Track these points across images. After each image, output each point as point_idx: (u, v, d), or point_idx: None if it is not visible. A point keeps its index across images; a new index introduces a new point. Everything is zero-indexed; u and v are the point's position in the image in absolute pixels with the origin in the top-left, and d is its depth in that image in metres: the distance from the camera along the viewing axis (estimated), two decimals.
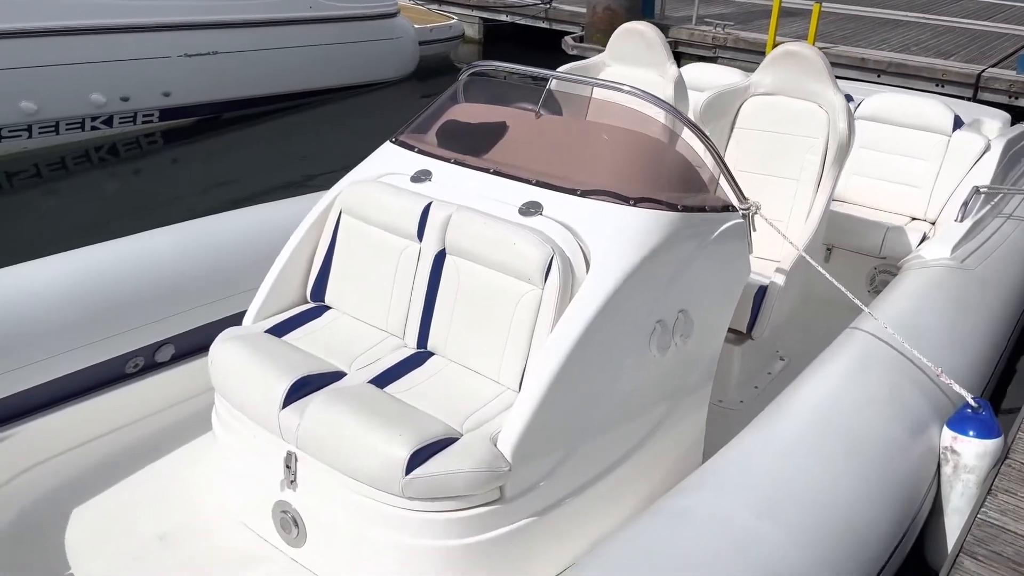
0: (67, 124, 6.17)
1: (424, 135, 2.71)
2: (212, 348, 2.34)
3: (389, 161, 2.67)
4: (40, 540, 2.24)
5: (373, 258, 2.49)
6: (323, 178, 6.54)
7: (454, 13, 10.66)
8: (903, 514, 2.17)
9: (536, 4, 10.37)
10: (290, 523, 2.21)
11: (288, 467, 2.19)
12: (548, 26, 10.41)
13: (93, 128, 6.36)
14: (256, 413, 2.20)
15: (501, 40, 11.38)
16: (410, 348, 2.41)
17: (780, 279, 3.04)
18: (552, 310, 2.15)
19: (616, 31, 3.77)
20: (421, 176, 2.56)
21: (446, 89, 2.82)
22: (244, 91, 7.23)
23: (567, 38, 9.54)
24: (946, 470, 2.25)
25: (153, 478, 2.49)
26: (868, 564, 2.01)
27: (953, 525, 2.32)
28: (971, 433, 2.22)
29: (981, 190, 3.71)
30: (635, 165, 2.33)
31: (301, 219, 2.97)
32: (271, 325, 2.47)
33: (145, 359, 2.70)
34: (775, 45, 8.38)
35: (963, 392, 2.34)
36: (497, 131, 2.63)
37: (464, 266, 2.32)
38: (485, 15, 10.88)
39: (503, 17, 10.77)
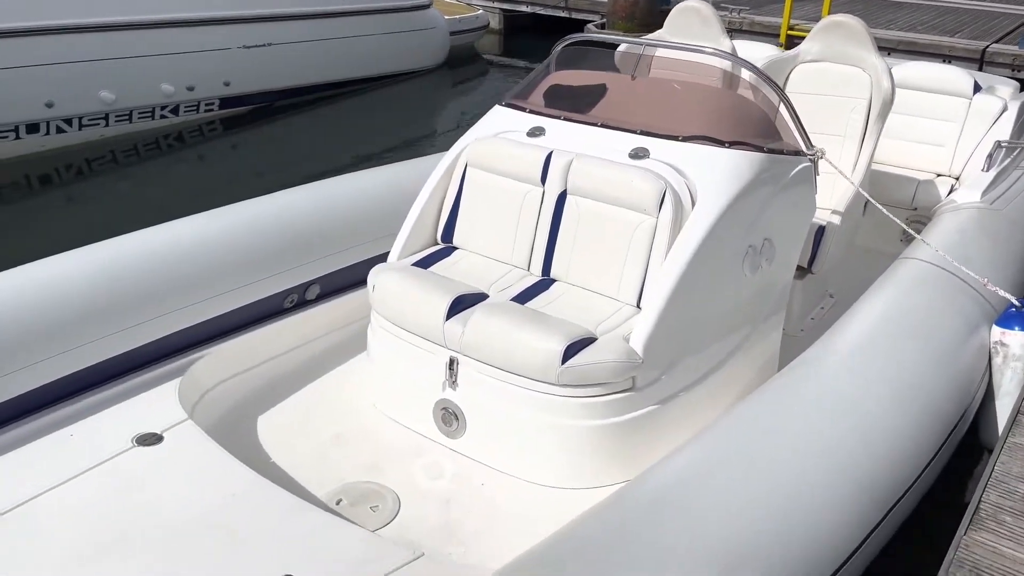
0: (139, 113, 6.60)
1: (531, 98, 3.15)
2: (372, 278, 2.78)
3: (503, 121, 3.10)
4: (238, 437, 2.67)
5: (498, 203, 2.93)
6: (371, 160, 6.96)
7: (478, 4, 11.08)
8: (962, 399, 2.62)
9: None
10: (451, 417, 2.66)
11: (450, 370, 2.63)
12: (567, 15, 10.85)
13: (162, 116, 6.79)
14: (420, 327, 2.64)
15: (521, 30, 11.81)
16: (535, 276, 2.85)
17: (836, 219, 3.49)
18: (666, 235, 2.60)
19: (674, 9, 4.21)
20: (536, 132, 3.00)
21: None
22: (294, 80, 7.67)
23: (589, 25, 9.98)
24: (996, 361, 2.70)
25: (321, 390, 2.94)
26: (934, 438, 2.44)
27: (1004, 407, 2.76)
28: (1016, 328, 2.66)
29: (1003, 144, 4.15)
30: (727, 114, 2.78)
31: (416, 178, 3.43)
32: (414, 261, 2.92)
33: (298, 296, 3.14)
34: (789, 28, 8.83)
35: (1008, 296, 2.79)
36: (598, 92, 3.08)
37: (584, 204, 2.76)
38: (505, 6, 11.31)
39: (523, 8, 11.19)
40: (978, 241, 3.30)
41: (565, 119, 2.99)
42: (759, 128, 2.82)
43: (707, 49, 2.96)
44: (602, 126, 2.90)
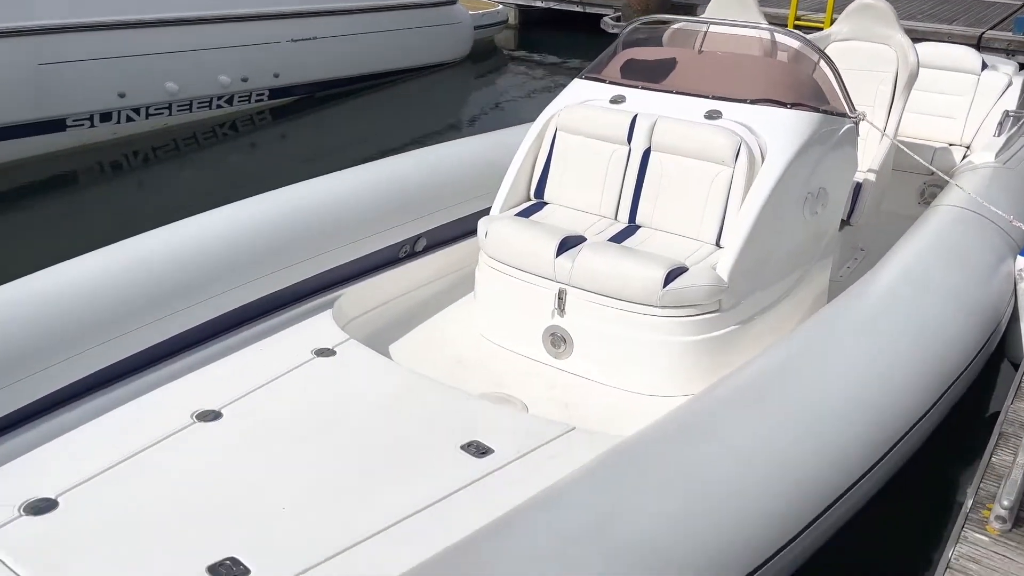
0: (199, 103, 7.03)
1: (607, 72, 3.62)
2: (483, 226, 3.24)
3: (586, 92, 3.57)
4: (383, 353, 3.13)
5: (587, 161, 3.39)
6: (405, 146, 7.40)
7: (496, 0, 11.54)
8: (992, 319, 3.09)
9: None
10: (559, 341, 3.12)
11: (560, 299, 3.09)
12: (582, 9, 11.32)
13: (218, 106, 7.22)
14: (531, 265, 3.10)
15: (535, 24, 12.28)
16: (622, 223, 3.32)
17: (872, 176, 3.97)
18: (742, 183, 3.07)
19: None
20: (618, 99, 3.46)
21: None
22: (335, 72, 8.11)
23: (606, 18, 10.46)
24: (1021, 287, 3.18)
25: (435, 325, 3.39)
26: (965, 353, 2.87)
27: None
28: None
29: (1011, 113, 4.65)
30: (787, 80, 3.25)
31: (503, 146, 3.90)
32: (515, 214, 3.37)
33: (409, 248, 3.60)
34: (797, 19, 9.33)
35: None
36: (669, 64, 3.55)
37: (667, 158, 3.23)
38: (521, 1, 11.77)
39: (538, 3, 11.66)
40: (997, 191, 3.78)
41: (643, 88, 3.45)
42: (814, 92, 3.30)
43: (763, 25, 3.44)
44: (677, 93, 3.37)
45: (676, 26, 4.35)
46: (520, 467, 2.23)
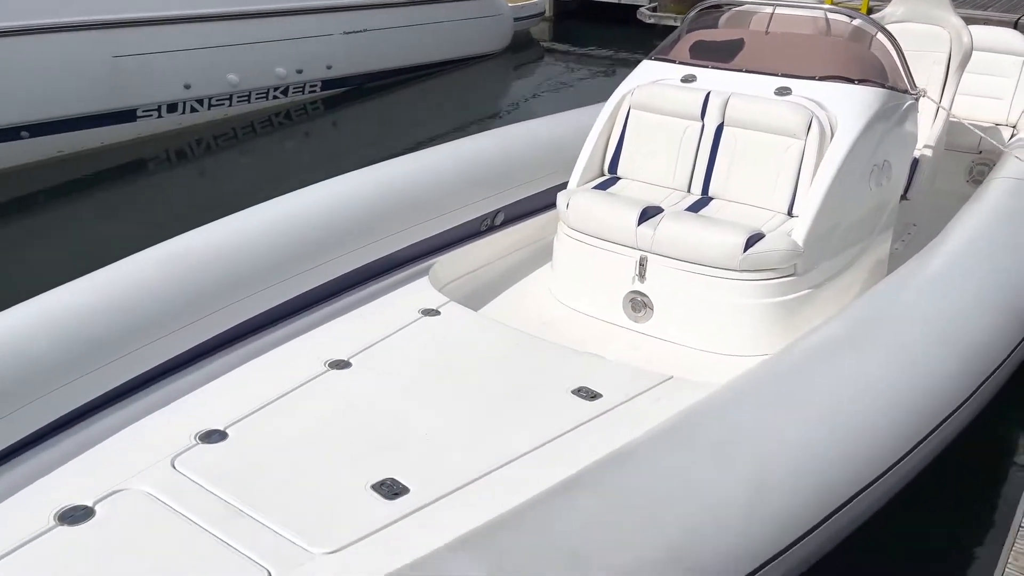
0: (257, 94, 7.28)
1: (675, 53, 3.80)
2: (563, 199, 3.44)
3: (656, 72, 3.75)
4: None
5: (660, 137, 3.58)
6: (450, 133, 7.61)
7: None
8: None
9: None
10: (640, 305, 3.31)
11: (641, 266, 3.28)
12: (617, 1, 11.47)
13: (274, 97, 7.47)
14: (614, 234, 3.29)
15: (570, 16, 12.46)
16: (695, 196, 3.51)
17: (928, 152, 4.13)
18: (814, 155, 3.25)
19: None
20: (689, 78, 3.65)
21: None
22: (384, 63, 8.35)
23: (643, 8, 10.61)
24: None
25: (519, 293, 3.60)
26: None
27: None
28: None
29: None
30: (854, 56, 3.43)
31: (575, 125, 4.09)
32: (592, 186, 3.57)
33: (490, 221, 3.81)
34: (834, 2, 9.44)
35: None
36: (737, 45, 3.73)
37: (740, 133, 3.41)
38: None
39: None
40: None
41: (713, 67, 3.64)
42: (879, 69, 3.47)
43: (827, 7, 3.61)
44: (747, 71, 3.55)
45: (737, 9, 4.53)
46: (628, 410, 2.44)
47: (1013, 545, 1.80)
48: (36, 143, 5.97)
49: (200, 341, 2.50)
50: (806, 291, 3.21)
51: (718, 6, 4.01)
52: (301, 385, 2.45)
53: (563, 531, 1.49)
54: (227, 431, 2.21)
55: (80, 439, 2.09)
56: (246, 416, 2.27)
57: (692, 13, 4.00)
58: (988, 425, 3.28)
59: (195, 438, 2.17)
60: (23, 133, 5.85)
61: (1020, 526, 1.85)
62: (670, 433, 1.90)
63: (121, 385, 2.25)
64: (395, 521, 1.91)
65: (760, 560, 1.61)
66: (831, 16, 3.76)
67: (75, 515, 1.88)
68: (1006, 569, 1.70)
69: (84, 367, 2.13)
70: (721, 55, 3.70)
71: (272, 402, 2.35)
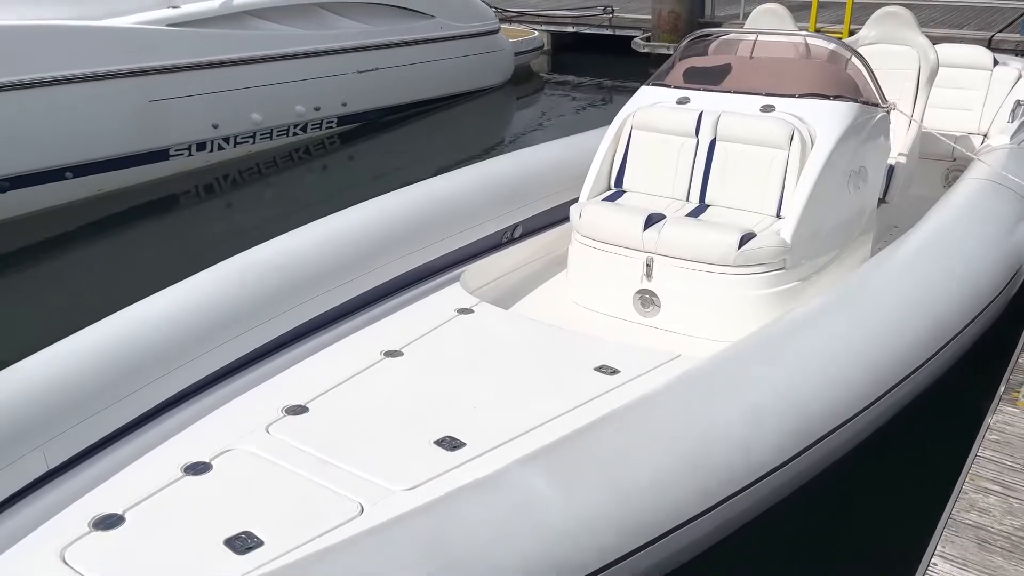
0: (278, 131, 7.76)
1: (670, 78, 4.25)
2: (575, 210, 3.86)
3: (654, 96, 4.20)
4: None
5: (660, 153, 4.01)
6: (462, 162, 8.05)
7: (532, 27, 12.28)
8: (1013, 261, 3.63)
9: (598, 15, 11.99)
10: (648, 300, 3.72)
11: (648, 266, 3.69)
12: (612, 32, 12.03)
13: (294, 134, 7.95)
14: (622, 239, 3.71)
15: (567, 48, 13.02)
16: (693, 203, 3.93)
17: (902, 159, 4.56)
18: (797, 163, 3.67)
19: (755, 11, 5.32)
20: (683, 100, 4.09)
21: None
22: (395, 99, 8.86)
23: (637, 39, 11.15)
24: None
25: (538, 297, 4.00)
26: (993, 285, 3.40)
27: None
28: None
29: (1022, 102, 5.23)
30: (830, 76, 3.87)
31: (582, 148, 4.54)
32: (602, 199, 3.99)
33: (509, 234, 4.23)
34: (817, 29, 9.96)
35: None
36: (725, 69, 4.18)
37: (731, 147, 3.84)
38: (552, 28, 12.51)
39: (569, 28, 12.40)
40: (1014, 166, 4.36)
41: (704, 89, 4.08)
42: (852, 86, 3.91)
43: (804, 33, 4.07)
44: (735, 92, 3.99)
45: (723, 37, 4.99)
46: (644, 382, 2.83)
47: (956, 501, 2.16)
48: (79, 183, 6.43)
49: (280, 333, 2.95)
50: (795, 283, 3.62)
51: (707, 35, 4.47)
52: (363, 370, 2.86)
53: (600, 446, 1.88)
54: (307, 405, 2.62)
55: (195, 410, 2.53)
56: (321, 394, 2.69)
57: (684, 42, 4.46)
58: (950, 392, 3.66)
59: (283, 411, 2.58)
60: (67, 174, 6.31)
61: (962, 490, 2.22)
62: (683, 380, 2.30)
63: (224, 367, 2.70)
64: (457, 466, 2.30)
65: (756, 476, 1.99)
66: (811, 41, 4.21)
67: (197, 468, 2.28)
68: (949, 519, 2.06)
69: (201, 349, 2.57)
70: (711, 78, 4.15)
71: (341, 383, 2.76)
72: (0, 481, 2.06)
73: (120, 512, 2.10)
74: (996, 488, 2.17)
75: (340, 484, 2.23)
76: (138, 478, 2.23)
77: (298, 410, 2.60)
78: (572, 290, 3.98)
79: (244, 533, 2.02)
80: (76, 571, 1.91)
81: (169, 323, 2.55)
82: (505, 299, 3.94)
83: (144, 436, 2.38)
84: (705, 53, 4.46)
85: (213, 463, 2.31)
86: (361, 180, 7.73)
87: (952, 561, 1.91)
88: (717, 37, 4.51)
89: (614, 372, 2.93)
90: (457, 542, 1.60)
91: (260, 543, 2.00)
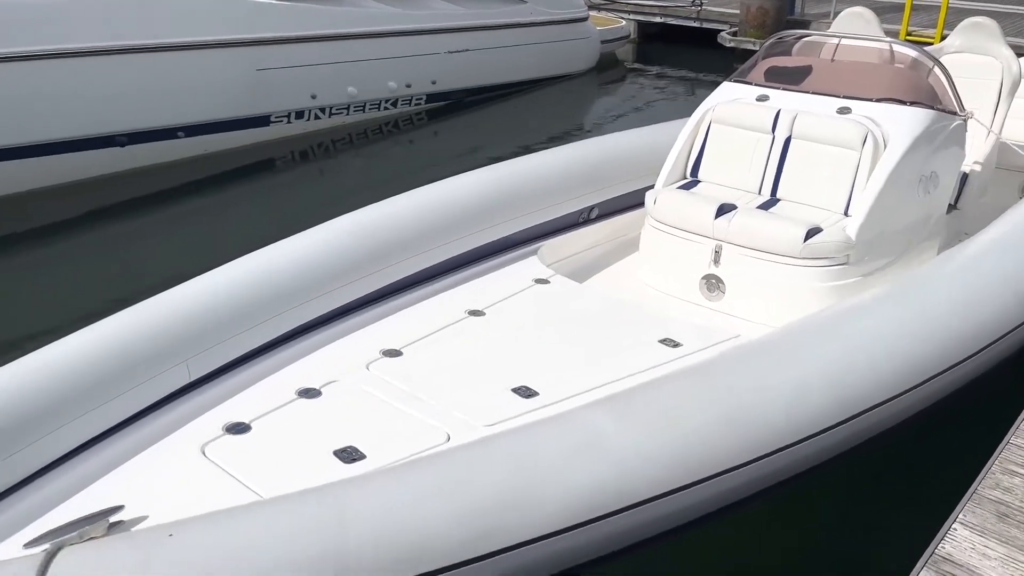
0: (371, 105, 8.17)
1: (752, 76, 4.44)
2: (651, 195, 4.10)
3: (735, 92, 4.40)
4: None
5: (736, 147, 4.22)
6: (539, 145, 8.33)
7: (620, 16, 12.44)
8: None
9: (687, 6, 12.07)
10: (714, 285, 3.95)
11: (716, 253, 3.92)
12: (699, 25, 12.09)
13: (385, 108, 8.35)
14: (694, 225, 3.94)
15: (653, 39, 13.13)
16: (764, 197, 4.13)
17: (977, 168, 4.66)
18: (868, 164, 3.84)
19: (844, 13, 5.44)
20: (762, 98, 4.28)
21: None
22: (482, 80, 9.18)
23: (723, 33, 11.21)
24: None
25: (613, 276, 4.27)
26: None
27: None
28: None
29: None
30: (909, 82, 4.01)
31: (659, 137, 4.76)
32: (677, 186, 4.23)
33: (586, 215, 4.50)
34: (908, 34, 9.88)
35: None
36: (805, 70, 4.35)
37: (805, 145, 4.02)
38: (640, 18, 12.64)
39: (656, 19, 12.50)
40: None
41: (784, 89, 4.26)
42: (929, 93, 4.04)
43: (888, 39, 4.21)
44: (813, 93, 4.17)
45: (807, 39, 5.14)
46: (703, 356, 3.08)
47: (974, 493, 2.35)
48: (189, 142, 6.94)
49: (381, 286, 3.34)
50: (857, 279, 3.80)
51: (791, 35, 4.64)
52: (450, 324, 3.20)
53: (660, 396, 2.16)
54: (401, 350, 2.98)
55: (308, 345, 2.94)
56: (413, 341, 3.04)
57: (768, 41, 4.64)
58: (991, 385, 3.79)
59: (380, 353, 2.94)
60: (179, 133, 6.83)
61: (990, 470, 2.41)
62: (739, 349, 2.55)
63: (333, 311, 3.10)
64: (531, 411, 2.61)
65: (794, 439, 2.24)
66: (895, 47, 4.34)
67: (309, 393, 2.66)
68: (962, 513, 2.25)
69: (314, 294, 2.98)
70: (792, 78, 4.33)
71: (430, 334, 3.10)
72: (147, 389, 2.46)
73: (247, 421, 2.48)
74: (1023, 471, 2.36)
75: (430, 415, 2.57)
76: (262, 395, 2.62)
77: (393, 353, 2.95)
78: (642, 271, 4.23)
79: (350, 447, 2.38)
80: (214, 464, 2.29)
81: (293, 268, 2.94)
82: (578, 274, 4.21)
83: (268, 361, 2.79)
84: (788, 53, 4.63)
85: (322, 390, 2.67)
86: (445, 156, 8.08)
87: (971, 528, 2.13)
88: (801, 38, 4.67)
89: (676, 345, 3.19)
90: (534, 462, 1.90)
91: (363, 456, 2.34)
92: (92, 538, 1.76)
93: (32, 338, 4.39)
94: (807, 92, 4.18)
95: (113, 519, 1.96)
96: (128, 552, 1.55)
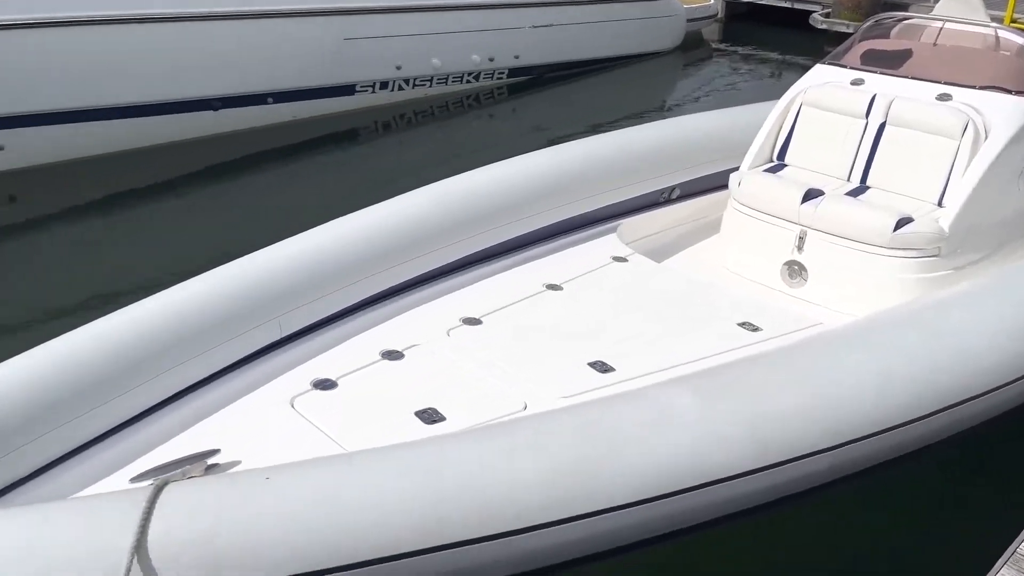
0: (453, 77, 8.24)
1: (847, 59, 4.31)
2: (736, 178, 4.04)
3: (828, 75, 4.28)
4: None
5: (826, 131, 4.11)
6: (618, 123, 8.25)
7: None
8: None
9: None
10: (796, 272, 3.88)
11: (800, 239, 3.85)
12: (790, 5, 11.75)
13: (467, 81, 8.41)
14: (778, 210, 3.87)
15: (741, 18, 12.82)
16: (854, 184, 4.02)
17: None
18: (967, 154, 3.70)
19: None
20: (857, 82, 4.16)
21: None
22: (564, 56, 9.14)
23: (815, 14, 10.87)
24: None
25: (692, 257, 4.23)
26: None
27: None
28: None
29: None
30: (1015, 70, 3.84)
31: (743, 120, 4.67)
32: (762, 169, 4.15)
33: (667, 195, 4.47)
34: (1012, 20, 9.40)
35: None
36: (905, 54, 4.21)
37: (901, 131, 3.90)
38: None
39: None
40: None
41: (881, 73, 4.13)
42: None
43: (995, 25, 4.04)
44: (911, 78, 4.03)
45: (907, 22, 4.96)
46: (783, 342, 3.05)
47: None
48: (278, 108, 7.13)
49: (461, 256, 3.41)
50: (948, 272, 3.68)
51: (891, 18, 4.48)
52: (527, 297, 3.25)
53: (740, 377, 2.16)
54: (481, 319, 3.04)
55: (392, 309, 3.05)
56: (492, 311, 3.10)
57: (867, 23, 4.50)
58: None
59: (460, 320, 3.01)
60: (269, 99, 7.01)
61: None
62: (824, 335, 2.53)
63: (415, 277, 3.18)
64: (607, 386, 2.63)
65: (877, 428, 2.21)
66: (1001, 34, 4.16)
67: (392, 355, 2.75)
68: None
69: (398, 260, 3.08)
70: (889, 62, 4.19)
71: (508, 305, 3.16)
72: (242, 342, 2.58)
73: (334, 378, 2.59)
74: None
75: (507, 383, 2.62)
76: (347, 354, 2.72)
77: (473, 321, 3.02)
78: (722, 254, 4.19)
79: (431, 409, 2.45)
80: (302, 416, 2.40)
81: (379, 235, 3.05)
82: (657, 253, 4.20)
83: (353, 322, 2.89)
84: (886, 36, 4.48)
85: (405, 352, 2.76)
86: (524, 131, 8.09)
87: None
88: (901, 20, 4.51)
89: (756, 329, 3.16)
90: (614, 434, 1.93)
91: (443, 418, 2.41)
92: (192, 477, 1.87)
93: (143, 287, 4.64)
94: (905, 77, 4.05)
95: (211, 461, 2.09)
96: (228, 491, 1.65)
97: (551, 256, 3.68)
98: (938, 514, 3.10)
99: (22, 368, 2.15)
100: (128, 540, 1.52)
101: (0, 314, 4.37)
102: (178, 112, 6.48)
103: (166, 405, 2.40)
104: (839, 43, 4.58)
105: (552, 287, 3.39)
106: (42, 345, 2.26)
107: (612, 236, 4.01)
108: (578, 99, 9.07)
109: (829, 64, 4.37)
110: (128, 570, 1.49)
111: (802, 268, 3.87)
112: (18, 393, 2.08)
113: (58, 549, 1.52)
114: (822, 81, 4.28)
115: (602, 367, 2.77)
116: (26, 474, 2.14)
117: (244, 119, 6.97)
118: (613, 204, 4.20)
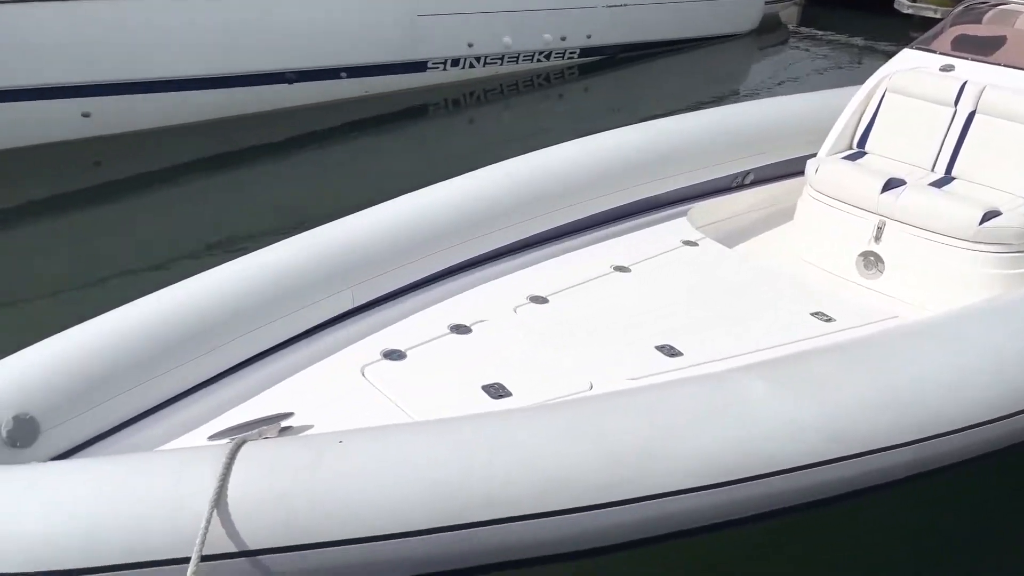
0: (524, 56, 8.20)
1: (936, 44, 4.15)
2: (813, 164, 3.93)
3: (916, 60, 4.13)
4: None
5: (911, 119, 3.97)
6: (689, 107, 8.09)
7: None
8: None
9: None
10: (872, 263, 3.77)
11: (879, 229, 3.73)
12: None
13: (538, 60, 8.37)
14: (856, 199, 3.76)
15: (821, 2, 12.44)
16: (938, 174, 3.88)
17: None
18: None
19: None
20: (947, 68, 4.00)
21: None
22: (637, 37, 9.01)
23: (902, 0, 10.48)
24: None
25: (764, 245, 4.14)
26: None
27: None
28: None
29: None
30: None
31: (823, 105, 4.54)
32: (841, 157, 4.03)
33: (740, 180, 4.38)
34: None
35: None
36: (999, 40, 4.02)
37: (991, 121, 3.74)
38: None
39: None
40: None
41: (972, 59, 3.97)
42: None
43: None
44: (1006, 65, 3.85)
45: (1003, 7, 4.74)
46: (856, 334, 2.97)
47: None
48: (350, 83, 7.21)
49: (531, 234, 3.42)
50: None
51: (985, 2, 4.29)
52: (595, 278, 3.23)
53: (815, 366, 2.12)
54: (548, 298, 3.04)
55: (460, 284, 3.08)
56: (559, 291, 3.09)
57: (959, 8, 4.32)
58: None
59: (527, 298, 3.02)
60: (342, 74, 7.10)
61: None
62: (902, 327, 2.47)
63: (482, 255, 3.20)
64: (675, 370, 2.61)
65: (956, 426, 2.14)
66: None
67: (460, 329, 2.78)
68: None
69: (469, 236, 3.12)
70: (982, 48, 4.02)
71: (576, 285, 3.15)
72: (315, 310, 2.64)
73: (403, 349, 2.63)
74: None
75: (574, 362, 2.62)
76: (417, 326, 2.77)
77: (540, 300, 3.02)
78: (795, 242, 4.09)
79: (497, 383, 2.47)
80: (372, 385, 2.44)
81: (451, 210, 3.08)
82: (728, 239, 4.12)
83: (423, 295, 2.93)
84: (979, 21, 4.29)
85: (472, 327, 2.78)
86: (594, 112, 8.02)
87: None
88: (995, 6, 4.31)
89: (829, 320, 3.09)
90: (682, 417, 1.92)
91: (509, 394, 2.43)
92: (267, 437, 1.92)
93: (222, 251, 4.82)
94: (998, 64, 3.87)
95: (284, 424, 2.14)
96: (303, 452, 1.69)
97: (620, 238, 3.65)
98: (1000, 519, 3.01)
99: (111, 324, 2.24)
100: (209, 493, 1.57)
101: (90, 272, 4.55)
102: (257, 84, 6.62)
103: (242, 368, 2.47)
104: (925, 29, 4.41)
105: (620, 269, 3.36)
106: (131, 303, 2.35)
107: (682, 220, 3.95)
108: (650, 81, 8.94)
109: (917, 49, 4.21)
110: (208, 521, 1.55)
111: (879, 259, 3.76)
112: (108, 349, 2.17)
113: (143, 496, 1.59)
114: (909, 66, 4.13)
115: (670, 351, 2.75)
116: (109, 428, 2.23)
117: (317, 93, 7.07)
118: (684, 187, 4.14)
